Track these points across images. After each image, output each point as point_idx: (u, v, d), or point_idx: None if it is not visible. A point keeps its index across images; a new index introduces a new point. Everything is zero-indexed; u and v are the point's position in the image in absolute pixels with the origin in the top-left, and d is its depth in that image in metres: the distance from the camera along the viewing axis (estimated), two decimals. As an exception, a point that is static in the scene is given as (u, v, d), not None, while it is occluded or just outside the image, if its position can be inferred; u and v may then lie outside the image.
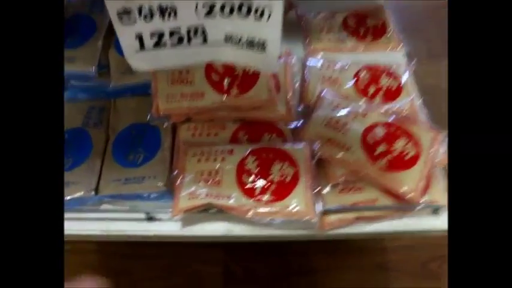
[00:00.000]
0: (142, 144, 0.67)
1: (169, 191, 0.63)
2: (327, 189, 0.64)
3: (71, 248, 0.81)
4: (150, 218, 0.63)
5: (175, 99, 0.67)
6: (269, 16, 0.46)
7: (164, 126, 0.69)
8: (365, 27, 0.82)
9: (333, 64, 0.76)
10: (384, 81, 0.74)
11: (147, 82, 0.71)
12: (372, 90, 0.73)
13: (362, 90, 0.73)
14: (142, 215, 0.63)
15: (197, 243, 0.78)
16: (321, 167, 0.65)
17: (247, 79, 0.67)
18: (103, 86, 0.74)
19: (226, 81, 0.67)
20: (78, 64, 0.72)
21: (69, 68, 0.72)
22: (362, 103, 0.70)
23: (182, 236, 0.63)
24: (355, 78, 0.74)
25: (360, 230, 0.63)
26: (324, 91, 0.71)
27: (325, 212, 0.61)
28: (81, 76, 0.73)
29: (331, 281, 1.03)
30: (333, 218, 0.62)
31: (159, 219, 0.63)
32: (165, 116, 0.68)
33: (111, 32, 0.76)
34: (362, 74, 0.74)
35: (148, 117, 0.67)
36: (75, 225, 0.63)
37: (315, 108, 0.69)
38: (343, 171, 0.64)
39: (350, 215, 0.62)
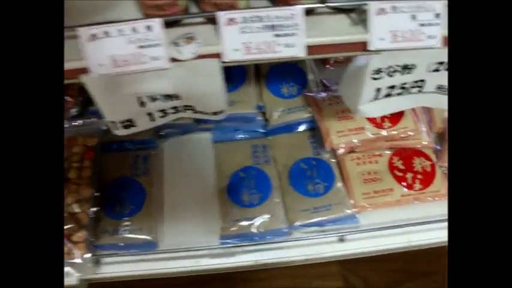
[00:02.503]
0: (318, 176, 0.76)
1: (355, 215, 0.73)
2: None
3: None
4: (342, 240, 0.72)
5: (344, 134, 0.77)
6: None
7: (331, 159, 0.78)
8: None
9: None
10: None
11: (300, 120, 0.82)
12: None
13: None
14: (335, 238, 0.72)
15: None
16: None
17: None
18: (259, 125, 0.82)
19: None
20: (239, 107, 0.80)
21: (230, 111, 0.79)
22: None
23: (372, 252, 0.73)
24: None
25: None
26: (449, 118, 0.85)
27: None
28: (242, 118, 0.80)
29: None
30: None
31: (350, 240, 0.73)
32: (333, 150, 0.78)
33: (259, 75, 0.85)
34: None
35: (322, 151, 0.77)
36: (276, 254, 0.71)
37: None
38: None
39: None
